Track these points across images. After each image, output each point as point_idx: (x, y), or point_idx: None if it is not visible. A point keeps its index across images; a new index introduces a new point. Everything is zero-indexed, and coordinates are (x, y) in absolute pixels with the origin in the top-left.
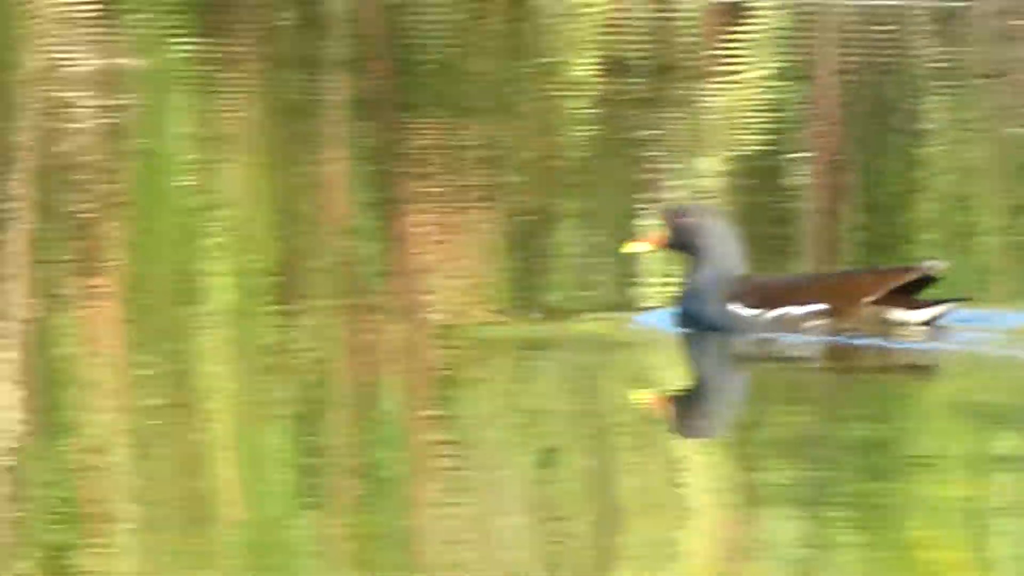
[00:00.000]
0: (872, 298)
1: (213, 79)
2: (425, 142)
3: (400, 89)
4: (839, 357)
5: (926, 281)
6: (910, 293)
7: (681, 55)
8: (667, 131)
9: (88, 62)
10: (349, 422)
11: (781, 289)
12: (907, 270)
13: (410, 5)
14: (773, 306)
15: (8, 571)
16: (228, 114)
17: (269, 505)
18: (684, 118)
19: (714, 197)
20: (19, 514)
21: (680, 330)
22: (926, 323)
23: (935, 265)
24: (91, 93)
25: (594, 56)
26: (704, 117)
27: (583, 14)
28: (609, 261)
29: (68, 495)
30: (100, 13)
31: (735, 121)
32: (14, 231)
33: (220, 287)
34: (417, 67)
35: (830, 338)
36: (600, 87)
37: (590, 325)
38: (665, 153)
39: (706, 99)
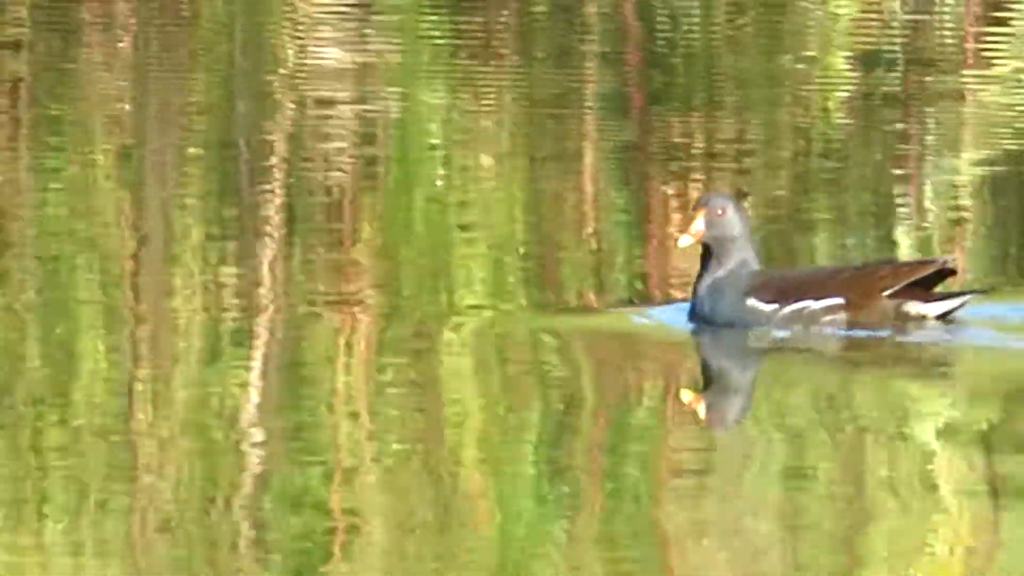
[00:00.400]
0: (890, 291)
1: (468, 73)
2: (677, 137)
3: (653, 83)
4: (861, 350)
5: (944, 274)
6: (928, 286)
7: (938, 49)
8: (924, 127)
9: (344, 57)
10: (610, 432)
11: (798, 283)
12: (924, 263)
13: None
14: (790, 300)
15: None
16: (482, 108)
17: (521, 514)
18: (942, 114)
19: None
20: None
21: (695, 326)
22: (943, 316)
23: (952, 258)
24: (348, 88)
25: (849, 51)
26: (962, 112)
27: (838, 9)
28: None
29: (325, 499)
30: (356, 8)
31: (993, 117)
32: (271, 230)
33: (479, 283)
34: (670, 61)
35: (848, 332)
36: (854, 82)
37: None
38: (921, 149)
39: (965, 94)
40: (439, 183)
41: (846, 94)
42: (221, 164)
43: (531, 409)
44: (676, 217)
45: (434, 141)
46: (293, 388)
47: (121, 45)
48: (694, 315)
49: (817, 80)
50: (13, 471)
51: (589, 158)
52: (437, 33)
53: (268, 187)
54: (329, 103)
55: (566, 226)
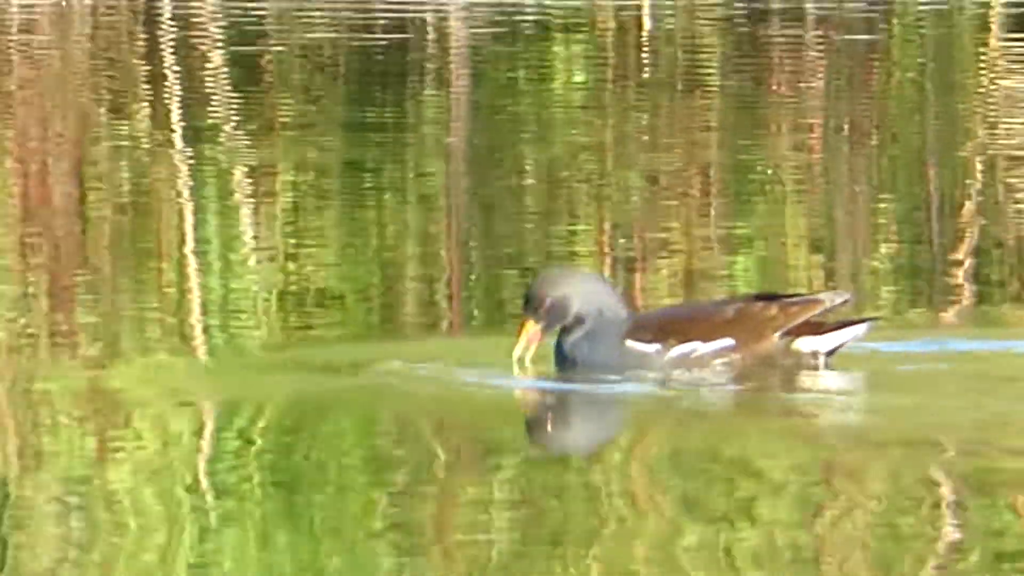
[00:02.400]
0: (782, 331)
1: None
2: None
3: None
4: (754, 394)
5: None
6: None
7: None
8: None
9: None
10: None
11: (683, 323)
12: (812, 303)
13: None
14: (676, 341)
15: None
16: None
17: None
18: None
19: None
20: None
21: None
22: (834, 351)
23: (838, 296)
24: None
25: None
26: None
27: None
28: None
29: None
30: None
31: None
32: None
33: None
34: None
35: (739, 375)
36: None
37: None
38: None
39: None
40: None
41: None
42: None
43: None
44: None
45: None
46: None
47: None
48: (562, 362)
49: None
50: None
51: None
52: None
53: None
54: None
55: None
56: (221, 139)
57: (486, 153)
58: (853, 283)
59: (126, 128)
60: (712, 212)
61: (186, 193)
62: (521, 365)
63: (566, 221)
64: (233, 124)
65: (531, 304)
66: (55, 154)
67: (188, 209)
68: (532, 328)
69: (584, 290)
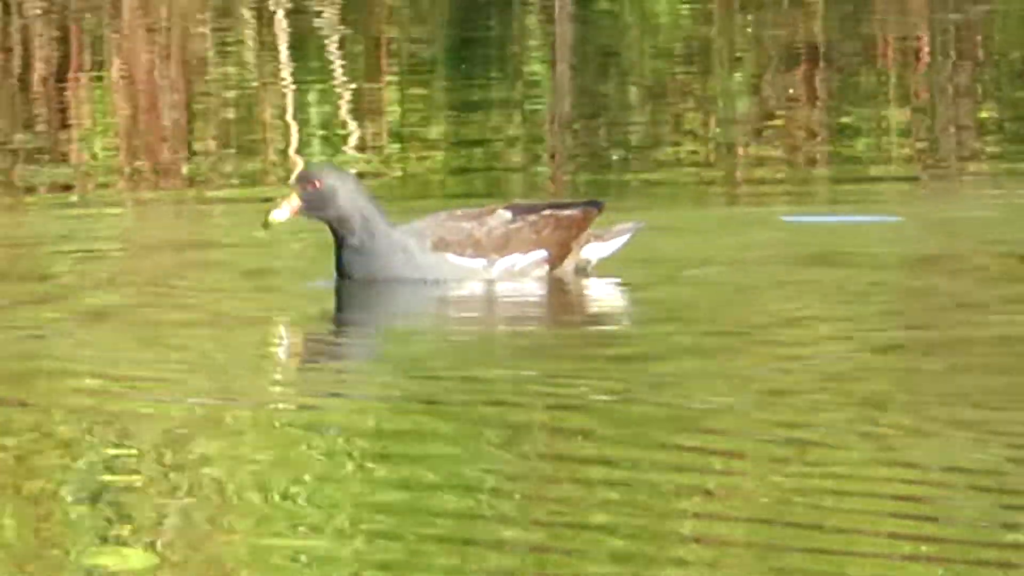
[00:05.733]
0: (580, 238)
1: None
2: None
3: None
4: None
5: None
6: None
7: None
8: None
9: None
10: None
11: (499, 236)
12: (593, 204)
13: None
14: (496, 254)
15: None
16: None
17: None
18: None
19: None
20: None
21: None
22: (606, 256)
23: (597, 203)
24: None
25: None
26: None
27: None
28: None
29: None
30: None
31: None
32: None
33: None
34: None
35: (551, 283)
36: None
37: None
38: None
39: None
40: None
41: None
42: None
43: None
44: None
45: None
46: None
47: None
48: (358, 273)
49: None
50: None
51: None
52: None
53: None
54: None
55: None
56: (328, 58)
57: (591, 57)
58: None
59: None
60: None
61: (291, 110)
62: (267, 227)
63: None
64: (338, 49)
65: (301, 181)
66: (164, 84)
67: (293, 129)
68: (295, 201)
69: (350, 192)
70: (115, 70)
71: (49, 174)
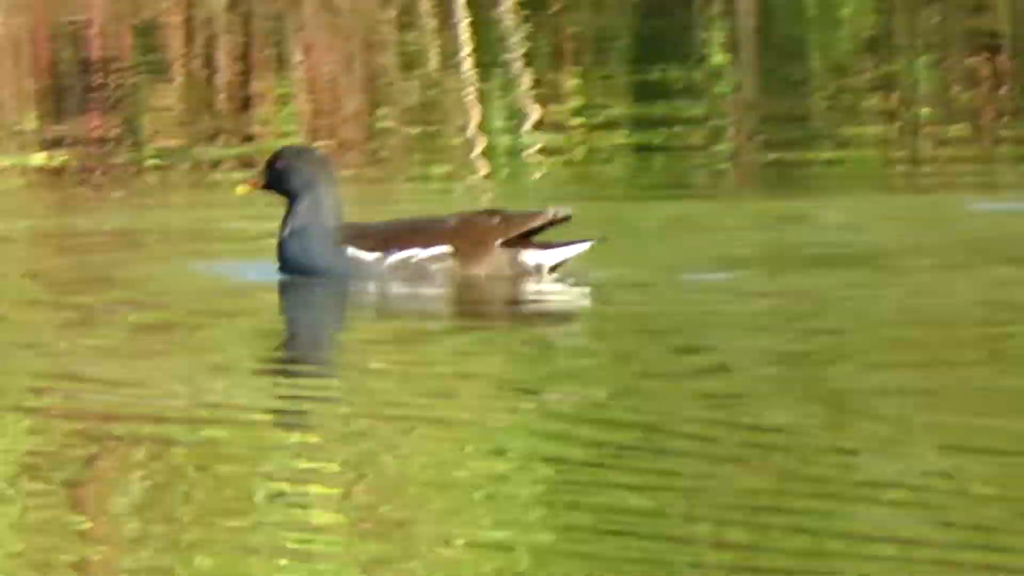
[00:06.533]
0: (502, 240)
1: None
2: None
3: None
4: (467, 302)
5: (554, 223)
6: (536, 235)
7: None
8: None
9: None
10: None
11: (402, 232)
12: (535, 214)
13: None
14: (395, 249)
15: None
16: None
17: None
18: None
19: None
20: None
21: (289, 277)
22: (557, 265)
23: (560, 210)
24: None
25: None
26: None
27: None
28: None
29: None
30: None
31: None
32: None
33: None
34: None
35: (458, 282)
36: None
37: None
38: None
39: None
40: None
41: None
42: None
43: None
44: None
45: None
46: None
47: None
48: (284, 264)
49: None
50: None
51: None
52: None
53: None
54: None
55: None
56: (508, 42)
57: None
58: None
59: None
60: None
61: (474, 94)
62: (233, 192)
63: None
64: (520, 37)
65: (268, 161)
66: (345, 67)
67: (476, 111)
68: (257, 176)
69: (314, 174)
70: (297, 55)
71: (233, 152)
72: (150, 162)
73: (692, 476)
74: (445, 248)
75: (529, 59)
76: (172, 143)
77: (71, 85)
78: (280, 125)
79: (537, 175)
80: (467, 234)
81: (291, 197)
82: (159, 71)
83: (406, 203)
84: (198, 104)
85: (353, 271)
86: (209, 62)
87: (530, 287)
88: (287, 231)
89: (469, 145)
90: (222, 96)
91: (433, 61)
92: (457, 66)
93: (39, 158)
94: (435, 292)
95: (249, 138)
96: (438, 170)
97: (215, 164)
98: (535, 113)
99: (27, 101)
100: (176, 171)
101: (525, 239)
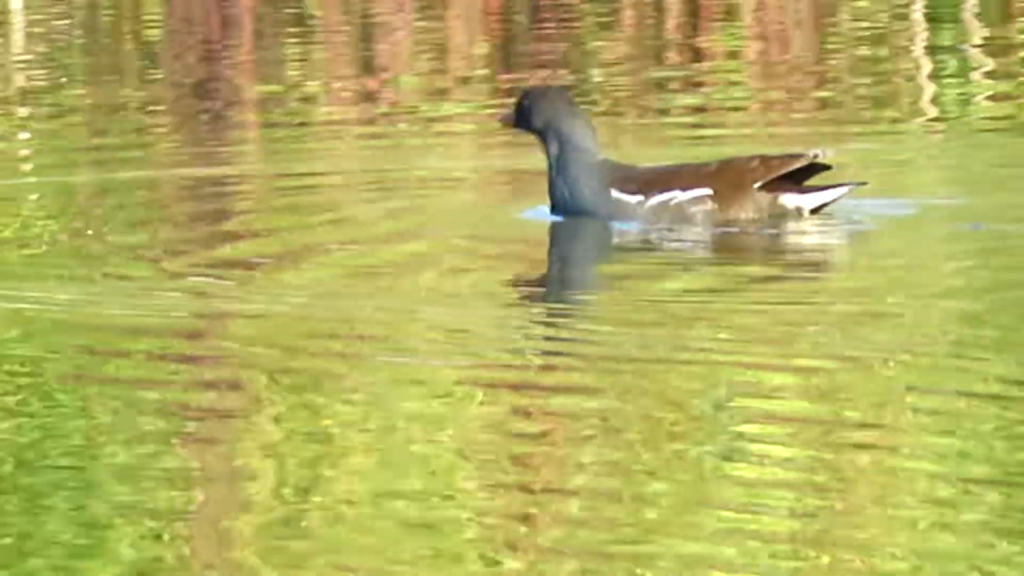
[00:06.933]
0: (760, 183)
1: None
2: None
3: None
4: (729, 245)
5: (816, 167)
6: (801, 180)
7: None
8: None
9: None
10: None
11: (665, 176)
12: (794, 156)
13: None
14: (656, 192)
15: None
16: None
17: None
18: None
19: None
20: None
21: (562, 218)
22: (819, 209)
23: (822, 152)
24: None
25: None
26: None
27: None
28: None
29: None
30: None
31: None
32: None
33: None
34: None
35: (718, 224)
36: None
37: None
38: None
39: None
40: None
41: None
42: None
43: None
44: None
45: None
46: None
47: None
48: (555, 206)
49: None
50: None
51: None
52: None
53: None
54: None
55: None
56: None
57: None
58: None
59: None
60: None
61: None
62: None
63: None
64: None
65: (516, 102)
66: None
67: (926, 63)
68: (507, 115)
69: (553, 110)
70: (746, 9)
71: (681, 101)
72: (597, 108)
73: None
74: (704, 191)
75: (980, 14)
76: (619, 94)
77: (518, 35)
78: (726, 75)
79: (985, 126)
80: (726, 177)
81: (539, 136)
82: (607, 25)
83: (861, 142)
84: (645, 54)
85: (618, 213)
86: (659, 9)
87: (790, 229)
88: (555, 174)
89: (917, 92)
90: (670, 48)
91: (883, 16)
92: (907, 18)
93: (488, 106)
94: (695, 234)
95: (698, 85)
96: (887, 114)
97: (663, 112)
98: (986, 65)
99: (478, 49)
100: (624, 119)
101: (789, 181)
